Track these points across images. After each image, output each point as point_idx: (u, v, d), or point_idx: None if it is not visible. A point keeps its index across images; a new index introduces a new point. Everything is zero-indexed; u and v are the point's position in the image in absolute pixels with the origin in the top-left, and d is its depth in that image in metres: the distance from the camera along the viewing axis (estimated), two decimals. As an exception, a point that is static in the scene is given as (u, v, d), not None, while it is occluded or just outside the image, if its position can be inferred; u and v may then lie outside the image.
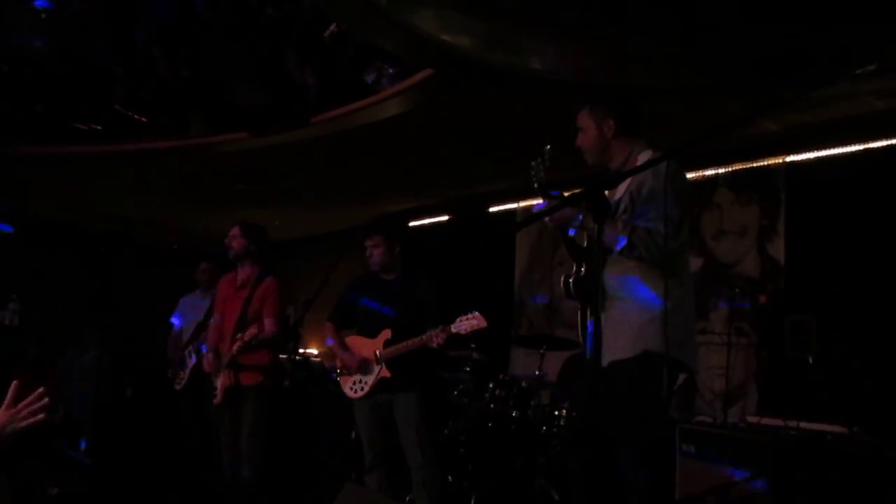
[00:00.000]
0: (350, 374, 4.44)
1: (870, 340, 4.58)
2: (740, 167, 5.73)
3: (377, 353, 4.33)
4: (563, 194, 3.07)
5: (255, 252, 4.86)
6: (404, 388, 4.28)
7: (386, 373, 4.28)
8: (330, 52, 5.34)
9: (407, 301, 4.36)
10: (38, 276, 8.61)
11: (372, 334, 4.40)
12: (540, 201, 3.10)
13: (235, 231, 4.87)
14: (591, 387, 2.57)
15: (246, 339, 4.50)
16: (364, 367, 4.37)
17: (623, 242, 2.79)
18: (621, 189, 3.01)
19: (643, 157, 2.98)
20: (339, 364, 4.55)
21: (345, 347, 4.51)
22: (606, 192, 3.12)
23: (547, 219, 2.95)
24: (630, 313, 2.89)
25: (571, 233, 2.97)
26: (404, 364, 4.26)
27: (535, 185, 3.03)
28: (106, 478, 6.00)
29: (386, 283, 4.51)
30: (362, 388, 4.36)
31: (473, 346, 5.48)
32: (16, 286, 7.45)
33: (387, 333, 4.33)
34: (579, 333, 3.14)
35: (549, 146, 2.97)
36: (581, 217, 2.82)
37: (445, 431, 5.24)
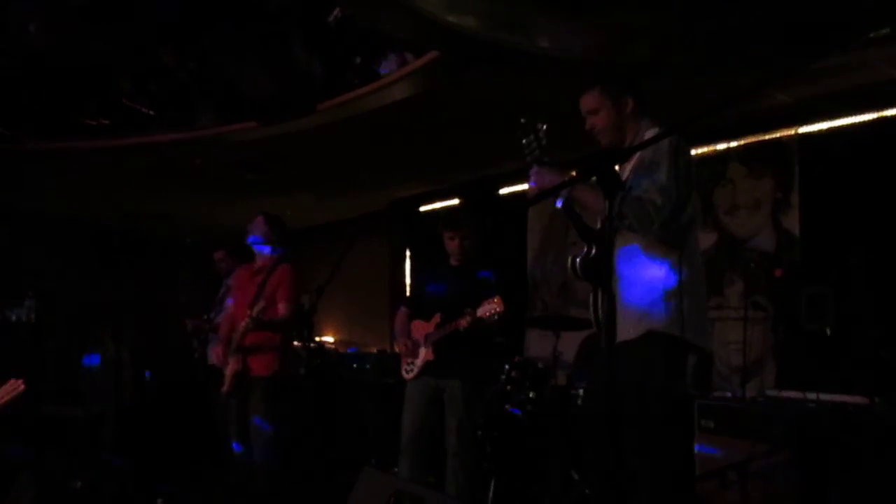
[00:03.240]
0: (406, 356, 4.56)
1: (888, 310, 4.54)
2: (752, 140, 5.67)
3: (426, 335, 4.43)
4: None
5: (275, 242, 4.92)
6: (450, 375, 4.37)
7: (430, 355, 4.39)
8: (336, 36, 5.31)
9: (463, 286, 4.43)
10: (52, 272, 8.66)
11: (427, 318, 4.51)
12: (533, 182, 3.06)
13: (259, 220, 4.99)
14: (602, 368, 2.55)
15: (254, 313, 4.49)
16: (416, 349, 4.49)
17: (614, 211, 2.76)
18: (627, 168, 2.99)
19: (650, 135, 2.96)
20: (398, 347, 4.71)
21: (407, 331, 4.62)
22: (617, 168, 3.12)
23: (535, 186, 2.92)
24: (635, 293, 2.88)
25: (558, 204, 2.95)
26: (449, 349, 4.34)
27: (531, 162, 3.01)
28: (130, 472, 6.05)
29: (450, 268, 4.62)
30: (412, 370, 4.49)
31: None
32: (30, 283, 7.50)
33: (438, 317, 4.41)
34: (591, 315, 3.13)
35: (543, 124, 2.94)
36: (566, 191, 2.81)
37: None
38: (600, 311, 3.02)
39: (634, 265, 2.89)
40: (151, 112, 6.39)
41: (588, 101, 3.05)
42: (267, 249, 4.92)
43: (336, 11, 4.97)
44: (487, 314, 4.13)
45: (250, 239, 4.97)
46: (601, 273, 2.98)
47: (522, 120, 3.03)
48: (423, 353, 4.44)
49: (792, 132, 5.44)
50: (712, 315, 5.49)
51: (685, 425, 4.09)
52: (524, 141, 3.02)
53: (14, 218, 8.38)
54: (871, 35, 1.76)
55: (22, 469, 4.21)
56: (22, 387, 2.55)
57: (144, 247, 9.61)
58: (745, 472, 3.80)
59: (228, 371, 4.73)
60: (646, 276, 2.82)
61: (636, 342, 2.84)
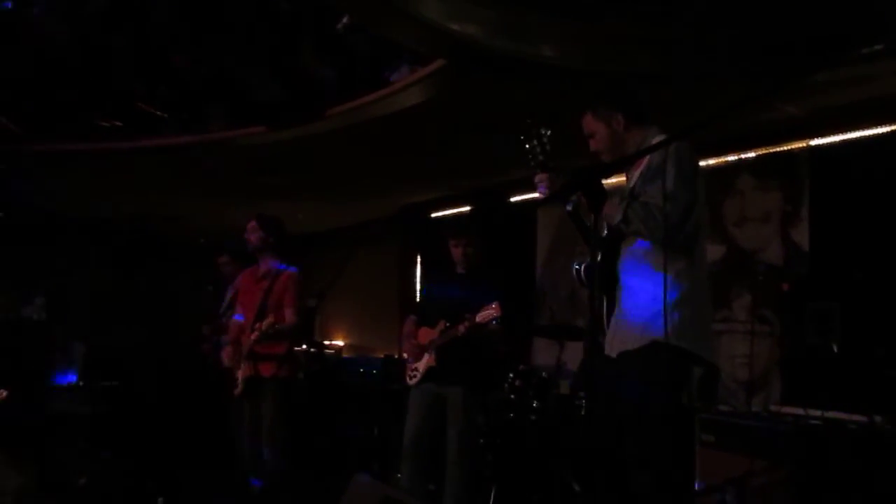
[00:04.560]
0: (410, 362, 4.59)
1: (894, 329, 4.48)
2: (762, 152, 5.62)
3: (429, 341, 4.46)
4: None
5: (274, 244, 4.92)
6: (452, 382, 4.37)
7: (432, 361, 4.40)
8: (345, 43, 5.34)
9: (468, 293, 4.41)
10: (63, 272, 8.75)
11: (433, 324, 4.52)
12: (540, 187, 3.06)
13: (252, 225, 4.94)
14: (592, 377, 2.54)
15: (264, 328, 4.55)
16: (419, 355, 4.50)
17: (620, 216, 2.75)
18: (635, 174, 2.97)
19: (656, 142, 2.93)
20: (404, 353, 4.75)
21: (414, 338, 4.64)
22: (624, 179, 3.10)
23: (541, 191, 2.93)
24: (639, 303, 2.85)
25: (568, 207, 2.95)
26: (451, 356, 4.35)
27: (534, 167, 3.00)
28: (133, 469, 6.08)
29: (457, 275, 4.62)
30: (415, 376, 4.50)
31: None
32: (41, 282, 7.58)
33: (442, 324, 4.42)
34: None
35: (547, 130, 2.94)
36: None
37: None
38: (606, 319, 3.01)
39: (638, 274, 2.87)
40: (163, 115, 6.45)
41: (585, 125, 3.08)
42: (272, 257, 4.93)
43: (345, 19, 4.99)
44: (486, 319, 4.13)
45: (251, 250, 4.98)
46: (604, 281, 2.97)
47: (528, 120, 3.02)
48: (426, 360, 4.46)
49: (803, 144, 5.38)
50: (719, 328, 5.44)
51: (686, 438, 4.05)
52: (527, 146, 3.01)
53: (26, 217, 8.47)
54: (865, 51, 1.73)
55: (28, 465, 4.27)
56: (4, 394, 2.60)
57: (155, 248, 9.68)
58: (743, 488, 3.76)
59: (240, 375, 4.78)
60: (650, 285, 2.79)
61: (639, 352, 2.81)
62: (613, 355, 2.91)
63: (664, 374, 2.78)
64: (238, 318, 5.12)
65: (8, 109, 6.51)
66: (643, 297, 2.83)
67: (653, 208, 2.72)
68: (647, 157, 2.83)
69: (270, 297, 4.79)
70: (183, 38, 5.73)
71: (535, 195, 3.09)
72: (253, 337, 4.64)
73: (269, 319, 4.59)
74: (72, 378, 7.70)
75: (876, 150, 4.94)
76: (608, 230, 2.99)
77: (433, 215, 8.59)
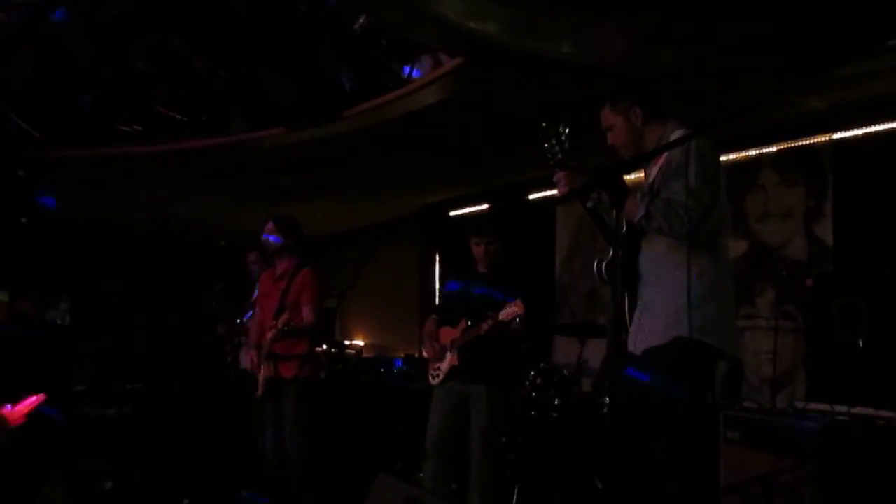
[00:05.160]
0: (433, 361, 4.59)
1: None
2: (785, 147, 5.56)
3: (451, 340, 4.45)
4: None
5: (292, 245, 4.94)
6: (475, 380, 4.36)
7: (455, 360, 4.40)
8: (363, 43, 5.35)
9: (489, 292, 4.42)
10: (87, 275, 8.83)
11: (454, 324, 4.51)
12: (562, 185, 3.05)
13: (270, 226, 4.95)
14: (615, 373, 2.53)
15: (279, 325, 4.56)
16: (442, 354, 4.50)
17: (642, 212, 2.74)
18: (654, 170, 2.96)
19: (675, 137, 2.92)
20: (425, 352, 4.74)
21: (435, 337, 4.64)
22: (643, 174, 3.09)
23: (560, 189, 2.91)
24: (663, 299, 2.84)
25: (588, 204, 2.94)
26: (474, 354, 4.34)
27: (553, 165, 3.00)
28: (159, 471, 6.13)
29: (478, 274, 4.61)
30: (438, 376, 4.50)
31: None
32: (66, 286, 7.66)
33: (464, 323, 4.41)
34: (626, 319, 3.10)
35: (565, 128, 2.93)
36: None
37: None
38: (629, 316, 3.01)
39: (662, 270, 2.86)
40: (184, 118, 6.49)
41: (603, 118, 3.08)
42: (289, 257, 4.95)
43: (362, 19, 5.00)
44: (509, 317, 4.12)
45: (270, 253, 5.00)
46: (629, 278, 2.97)
47: (544, 124, 3.02)
48: (449, 359, 4.46)
49: (826, 138, 5.32)
50: (743, 324, 5.40)
51: (711, 435, 4.02)
52: (546, 145, 3.01)
53: (50, 221, 8.55)
54: (891, 43, 1.71)
55: (52, 469, 4.28)
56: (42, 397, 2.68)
57: (177, 250, 9.75)
58: (769, 486, 3.72)
59: (261, 377, 4.80)
60: (674, 281, 2.77)
61: (664, 349, 2.80)
62: (638, 352, 2.90)
63: (689, 370, 2.77)
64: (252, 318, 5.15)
65: (29, 116, 6.59)
66: (666, 293, 2.82)
67: (675, 205, 2.71)
68: (667, 152, 2.82)
69: (288, 296, 4.80)
70: (202, 41, 5.76)
71: (555, 192, 3.08)
72: (270, 335, 4.65)
73: (285, 316, 4.60)
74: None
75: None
76: (628, 227, 2.98)
77: (452, 214, 8.59)
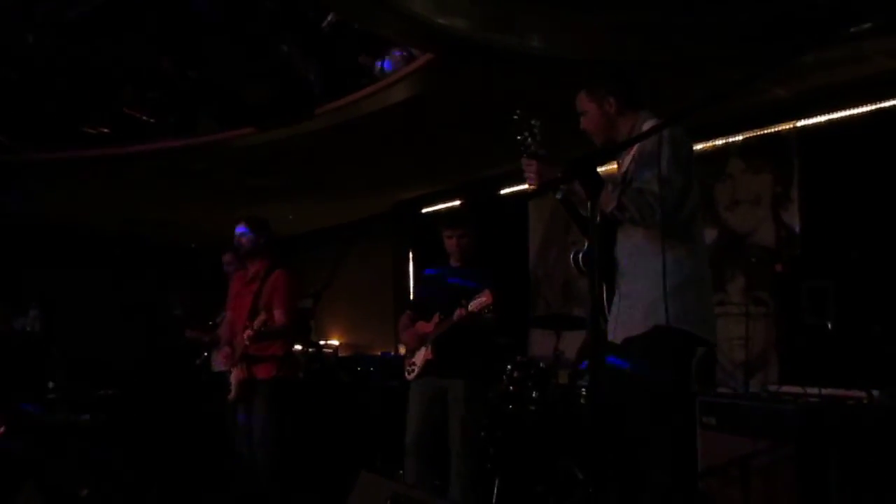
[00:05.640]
0: (408, 357, 4.58)
1: (889, 305, 4.51)
2: (751, 135, 5.65)
3: (425, 335, 4.43)
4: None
5: (265, 245, 4.90)
6: (452, 374, 4.35)
7: (429, 355, 4.37)
8: (331, 41, 5.32)
9: (463, 284, 4.40)
10: (57, 281, 8.70)
11: (427, 318, 4.48)
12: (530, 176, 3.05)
13: (243, 228, 4.90)
14: (596, 363, 2.56)
15: (256, 326, 4.53)
16: (417, 349, 4.48)
17: (614, 203, 2.76)
18: (627, 160, 2.98)
19: (647, 127, 2.94)
20: (401, 349, 4.66)
21: (410, 333, 4.62)
22: (616, 166, 3.12)
23: (531, 180, 2.92)
24: (640, 288, 2.87)
25: (558, 195, 2.95)
26: (449, 348, 4.32)
27: (526, 156, 3.00)
28: (135, 478, 6.07)
29: (450, 268, 4.60)
30: (413, 371, 4.48)
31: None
32: (35, 292, 7.54)
33: (437, 317, 4.39)
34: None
35: (537, 121, 2.95)
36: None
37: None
38: (608, 307, 3.03)
39: (639, 259, 2.88)
40: (151, 119, 6.42)
41: (578, 103, 3.10)
42: (262, 258, 4.91)
43: (330, 16, 4.97)
44: (478, 307, 4.12)
45: (244, 253, 4.95)
46: (606, 269, 2.98)
47: (515, 116, 3.03)
48: (423, 353, 4.43)
49: (790, 126, 5.41)
50: (715, 311, 5.46)
51: (689, 421, 4.07)
52: (518, 137, 3.02)
53: (17, 227, 8.41)
54: (853, 30, 1.74)
55: (27, 476, 4.22)
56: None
57: (147, 253, 9.64)
58: (747, 468, 3.79)
59: (234, 379, 4.76)
60: (651, 270, 2.80)
61: (643, 338, 2.83)
62: (618, 341, 2.93)
63: (669, 358, 2.81)
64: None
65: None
66: (644, 282, 2.85)
67: (647, 194, 2.72)
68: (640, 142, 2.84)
69: (260, 298, 4.76)
70: (169, 41, 5.70)
71: (527, 187, 3.08)
72: (246, 336, 4.61)
73: (262, 318, 4.56)
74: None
75: (863, 129, 4.97)
76: (602, 217, 3.00)
77: (425, 210, 8.59)
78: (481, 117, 5.60)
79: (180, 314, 6.55)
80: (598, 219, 2.98)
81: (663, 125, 2.69)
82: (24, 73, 5.99)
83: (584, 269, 3.11)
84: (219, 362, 5.57)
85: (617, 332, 2.94)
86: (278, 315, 4.71)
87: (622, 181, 2.92)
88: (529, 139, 3.00)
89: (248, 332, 4.58)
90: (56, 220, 9.00)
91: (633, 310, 2.88)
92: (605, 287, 3.02)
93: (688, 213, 2.87)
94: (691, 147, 2.94)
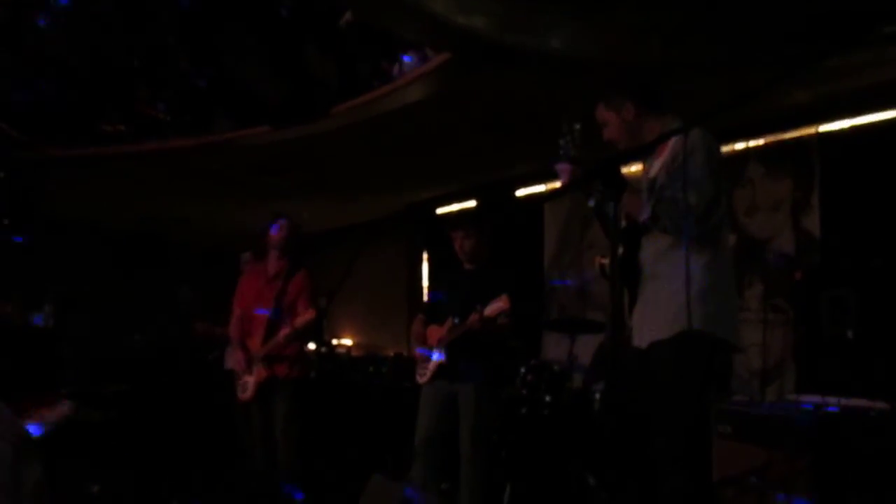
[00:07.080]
0: (420, 360, 4.54)
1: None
2: (771, 140, 5.58)
3: (438, 339, 4.40)
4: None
5: (293, 245, 4.92)
6: (463, 378, 4.31)
7: (442, 359, 4.35)
8: (348, 40, 5.31)
9: (478, 289, 4.34)
10: (71, 278, 8.73)
11: (441, 322, 4.45)
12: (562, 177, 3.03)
13: (284, 222, 4.93)
14: (615, 368, 2.53)
15: (298, 325, 4.57)
16: (430, 353, 4.45)
17: (647, 213, 2.73)
18: (657, 165, 2.95)
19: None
20: (414, 351, 4.73)
21: (423, 336, 4.59)
22: (643, 169, 3.08)
23: (561, 179, 2.90)
24: (666, 293, 2.84)
25: (590, 202, 2.92)
26: (462, 352, 4.29)
27: (562, 157, 2.97)
28: (147, 474, 6.07)
29: (465, 272, 4.55)
30: (425, 374, 4.44)
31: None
32: (49, 288, 7.57)
33: (451, 321, 4.36)
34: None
35: (578, 124, 2.91)
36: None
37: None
38: (630, 312, 3.01)
39: (666, 265, 2.86)
40: (168, 118, 6.43)
41: (597, 115, 3.08)
42: (285, 257, 4.92)
43: (347, 15, 4.95)
44: (494, 312, 4.09)
45: (278, 247, 4.94)
46: (630, 274, 2.96)
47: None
48: (435, 357, 4.42)
49: (812, 131, 5.34)
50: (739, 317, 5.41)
51: (708, 429, 4.01)
52: (561, 141, 3.00)
53: (33, 223, 8.44)
54: (887, 31, 1.70)
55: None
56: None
57: (163, 250, 9.66)
58: (763, 478, 3.73)
59: (254, 379, 4.73)
60: (678, 275, 2.77)
61: (670, 342, 2.81)
62: (643, 346, 2.89)
63: (695, 363, 2.78)
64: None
65: (11, 116, 6.50)
66: (670, 287, 2.82)
67: (680, 203, 2.70)
68: (670, 147, 2.82)
69: (285, 297, 4.76)
70: (185, 40, 5.71)
71: (541, 189, 3.08)
72: (282, 335, 4.61)
73: (305, 316, 4.61)
74: None
75: (885, 135, 4.91)
76: (628, 222, 2.97)
77: (439, 212, 8.56)
78: (498, 118, 5.56)
79: (188, 306, 6.54)
80: (624, 222, 2.95)
81: (685, 127, 2.66)
82: (42, 70, 6.02)
83: (609, 275, 3.07)
84: (233, 362, 5.55)
85: (643, 336, 2.91)
86: (308, 315, 4.72)
87: (651, 187, 2.89)
88: (570, 143, 2.97)
89: (286, 330, 4.58)
90: (72, 215, 9.04)
91: (658, 315, 2.87)
92: (627, 292, 2.99)
93: (717, 221, 2.84)
94: (721, 153, 2.92)
